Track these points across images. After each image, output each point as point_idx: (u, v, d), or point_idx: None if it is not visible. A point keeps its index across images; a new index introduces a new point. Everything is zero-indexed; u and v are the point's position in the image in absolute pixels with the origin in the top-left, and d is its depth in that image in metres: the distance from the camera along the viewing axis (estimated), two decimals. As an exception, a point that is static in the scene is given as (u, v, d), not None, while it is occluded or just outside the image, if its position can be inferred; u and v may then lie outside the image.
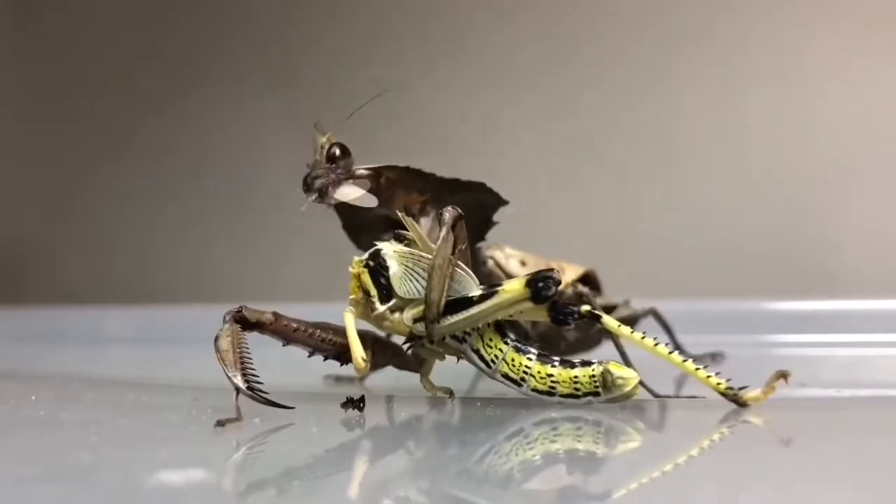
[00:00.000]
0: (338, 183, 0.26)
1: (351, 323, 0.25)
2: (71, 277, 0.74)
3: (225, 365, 0.24)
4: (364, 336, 0.26)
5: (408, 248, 0.25)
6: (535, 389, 0.24)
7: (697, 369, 0.23)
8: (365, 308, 0.25)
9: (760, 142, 0.60)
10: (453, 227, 0.24)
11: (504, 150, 0.62)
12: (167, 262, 0.71)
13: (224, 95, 0.70)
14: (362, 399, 0.25)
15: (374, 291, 0.25)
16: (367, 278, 0.25)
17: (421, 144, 0.62)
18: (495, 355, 0.24)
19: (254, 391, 0.24)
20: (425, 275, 0.24)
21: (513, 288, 0.23)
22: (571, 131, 0.63)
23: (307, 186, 0.26)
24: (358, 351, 0.24)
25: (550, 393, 0.24)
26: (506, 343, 0.24)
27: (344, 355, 0.26)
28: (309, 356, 0.26)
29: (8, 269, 0.75)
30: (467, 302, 0.24)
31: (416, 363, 0.27)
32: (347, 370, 0.34)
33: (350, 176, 0.26)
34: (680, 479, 0.19)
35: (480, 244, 0.30)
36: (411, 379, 0.27)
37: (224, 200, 0.70)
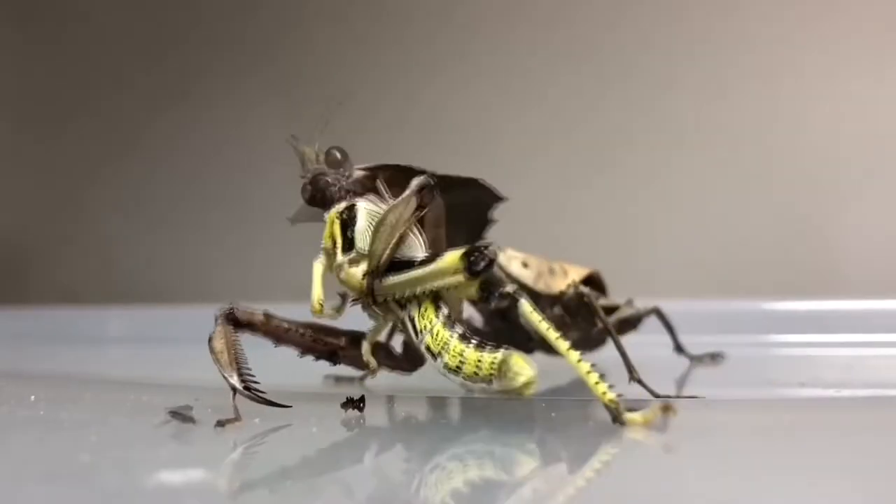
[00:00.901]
0: (346, 187, 0.26)
1: (318, 271, 0.25)
2: (71, 277, 0.74)
3: (220, 366, 0.24)
4: (360, 335, 0.26)
5: (379, 208, 0.25)
6: (446, 365, 0.24)
7: (589, 372, 0.22)
8: (331, 259, 0.25)
9: (760, 142, 0.60)
10: (420, 192, 0.24)
11: (504, 151, 0.62)
12: (167, 262, 0.71)
13: (225, 96, 0.70)
14: (362, 399, 0.25)
15: (339, 241, 0.25)
16: (336, 228, 0.25)
17: (421, 145, 0.62)
18: (425, 325, 0.24)
19: (251, 391, 0.24)
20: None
21: (451, 257, 0.23)
22: (571, 131, 0.63)
23: (315, 194, 0.26)
24: (317, 294, 0.24)
25: (457, 371, 0.23)
26: (437, 317, 0.24)
27: (335, 356, 0.26)
28: (300, 356, 0.27)
29: (8, 269, 0.75)
30: (409, 265, 0.24)
31: (406, 363, 0.27)
32: (347, 371, 0.34)
33: (351, 178, 0.26)
34: (679, 478, 0.19)
35: (481, 244, 0.30)
36: (412, 379, 0.27)
37: (224, 200, 0.70)
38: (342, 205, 0.25)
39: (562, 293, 0.32)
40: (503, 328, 0.32)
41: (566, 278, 0.32)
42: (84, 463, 0.19)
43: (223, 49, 0.71)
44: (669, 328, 0.37)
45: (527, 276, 0.31)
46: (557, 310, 0.31)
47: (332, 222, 0.25)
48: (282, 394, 0.24)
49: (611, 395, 0.22)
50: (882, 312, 0.45)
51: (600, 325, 0.31)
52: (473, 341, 0.24)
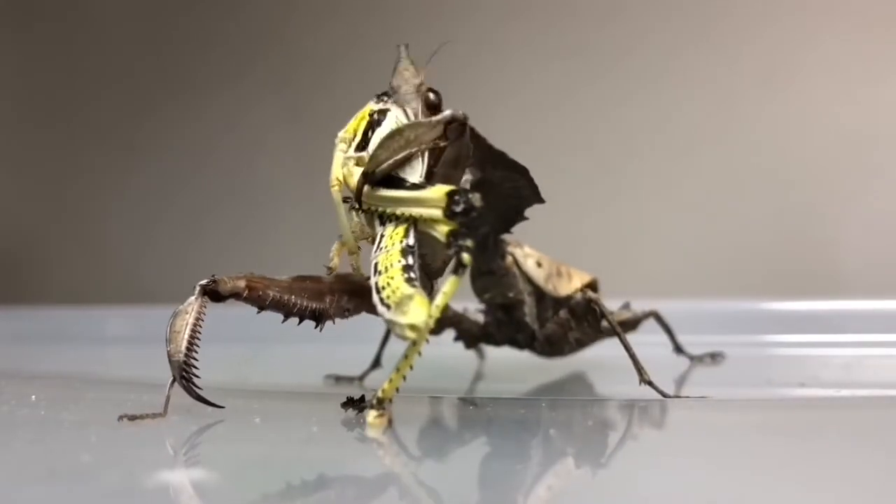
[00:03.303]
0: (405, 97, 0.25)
1: (338, 157, 0.24)
2: (71, 277, 0.74)
3: (170, 345, 0.24)
4: (338, 279, 0.25)
5: (406, 120, 0.25)
6: (376, 284, 0.22)
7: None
8: (346, 147, 0.25)
9: (760, 142, 0.60)
10: (449, 124, 0.23)
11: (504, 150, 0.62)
12: (167, 262, 0.71)
13: (225, 95, 0.70)
14: (362, 399, 0.25)
15: (358, 137, 0.24)
16: (362, 123, 0.25)
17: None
18: (387, 244, 0.23)
19: (188, 382, 0.23)
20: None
21: (438, 190, 0.23)
22: (572, 132, 0.63)
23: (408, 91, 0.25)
24: (335, 174, 0.24)
25: (378, 291, 0.22)
26: (400, 242, 0.23)
27: (320, 317, 0.26)
28: (283, 321, 0.26)
29: (8, 269, 0.75)
30: (400, 183, 0.24)
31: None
32: (347, 370, 0.34)
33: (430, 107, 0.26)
34: (680, 478, 0.19)
35: (504, 237, 0.30)
36: (412, 380, 0.27)
37: (224, 200, 0.70)
38: (380, 105, 0.25)
39: (568, 297, 0.32)
40: (505, 321, 0.32)
41: (571, 282, 0.32)
42: (84, 463, 0.19)
43: (223, 49, 0.71)
44: (668, 330, 0.38)
45: (539, 275, 0.31)
46: (563, 313, 0.32)
47: (364, 116, 0.25)
48: (282, 393, 0.24)
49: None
50: (882, 312, 0.45)
51: (607, 328, 0.31)
52: (410, 275, 0.22)
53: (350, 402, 0.25)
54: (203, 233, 0.71)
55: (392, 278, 0.22)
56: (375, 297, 0.22)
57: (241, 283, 0.25)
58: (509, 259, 0.31)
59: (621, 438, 0.24)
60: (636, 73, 0.62)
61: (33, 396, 0.28)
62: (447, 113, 0.24)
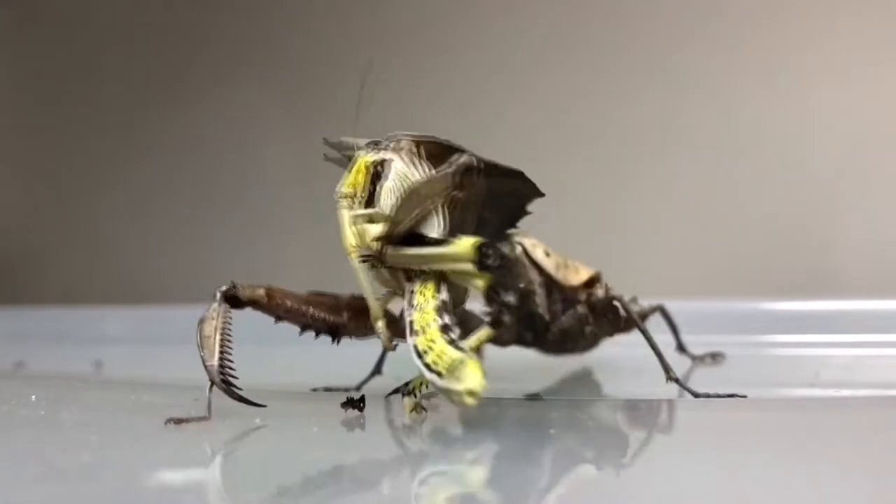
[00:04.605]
0: (385, 143, 0.25)
1: (345, 218, 0.24)
2: (71, 277, 0.74)
3: (203, 351, 0.24)
4: (362, 308, 0.25)
5: (411, 172, 0.24)
6: (416, 346, 0.22)
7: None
8: (349, 205, 0.24)
9: (761, 141, 0.60)
10: (461, 173, 0.23)
11: (503, 150, 0.62)
12: (167, 262, 0.71)
13: (225, 95, 0.70)
14: (362, 399, 0.25)
15: (362, 192, 0.24)
16: (363, 177, 0.24)
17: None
18: (419, 302, 0.23)
19: (227, 384, 0.23)
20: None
21: (464, 244, 0.23)
22: (571, 131, 0.63)
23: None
24: (348, 239, 0.24)
25: (421, 356, 0.22)
26: (433, 298, 0.23)
27: (337, 332, 0.26)
28: (300, 333, 0.26)
29: (8, 269, 0.75)
30: (422, 240, 0.23)
31: None
32: (347, 370, 0.34)
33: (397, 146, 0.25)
34: (679, 478, 0.19)
35: (511, 230, 0.30)
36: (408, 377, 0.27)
37: (225, 200, 0.70)
38: (377, 155, 0.24)
39: (577, 287, 0.32)
40: (516, 314, 0.32)
41: (578, 274, 0.32)
42: (84, 463, 0.19)
43: (224, 50, 0.71)
44: (673, 327, 0.37)
45: (549, 264, 0.31)
46: (582, 308, 0.32)
47: (360, 170, 0.24)
48: (282, 393, 0.24)
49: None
50: (882, 312, 0.45)
51: (626, 324, 0.31)
52: (451, 335, 0.22)
53: (350, 402, 0.25)
54: (203, 233, 0.71)
55: (433, 342, 0.22)
56: (419, 363, 0.22)
57: (261, 292, 0.25)
58: (518, 249, 0.31)
59: (622, 439, 0.24)
60: (636, 71, 0.62)
61: (33, 396, 0.28)
62: (460, 162, 0.23)
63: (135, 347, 0.52)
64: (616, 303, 0.31)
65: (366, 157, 0.24)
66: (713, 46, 0.61)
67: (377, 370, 0.34)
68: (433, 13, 0.66)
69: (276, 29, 0.70)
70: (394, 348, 0.25)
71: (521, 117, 0.63)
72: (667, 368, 0.28)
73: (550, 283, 0.32)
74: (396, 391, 0.24)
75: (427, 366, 0.22)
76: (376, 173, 0.24)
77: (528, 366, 0.37)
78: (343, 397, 0.25)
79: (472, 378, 0.21)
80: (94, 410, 0.27)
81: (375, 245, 0.23)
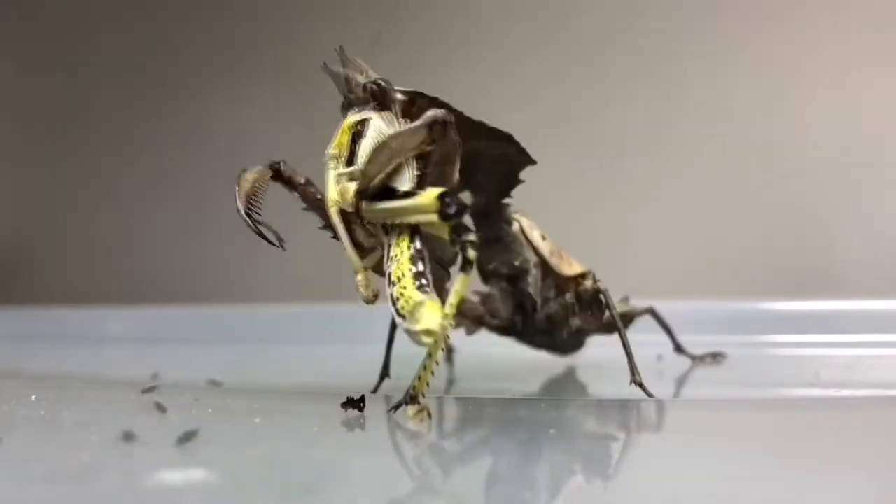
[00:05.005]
0: (374, 98, 0.25)
1: (331, 176, 0.24)
2: (71, 277, 0.74)
3: (238, 191, 0.25)
4: None
5: (389, 129, 0.25)
6: (391, 295, 0.23)
7: None
8: (336, 165, 0.25)
9: (760, 141, 0.60)
10: (432, 126, 0.23)
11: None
12: (167, 262, 0.71)
13: (224, 94, 0.70)
14: (362, 399, 0.25)
15: (345, 151, 0.24)
16: (346, 138, 0.25)
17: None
18: (395, 254, 0.23)
19: (250, 218, 0.25)
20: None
21: (427, 195, 0.23)
22: (570, 130, 0.63)
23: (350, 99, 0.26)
24: (332, 196, 0.24)
25: (394, 301, 0.22)
26: (408, 248, 0.23)
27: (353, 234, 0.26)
28: (320, 227, 0.27)
29: (7, 269, 0.75)
30: (394, 193, 0.24)
31: None
32: (347, 371, 0.34)
33: (388, 100, 0.26)
34: (679, 478, 0.19)
35: (508, 202, 0.30)
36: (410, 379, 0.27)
37: (225, 200, 0.70)
38: (359, 115, 0.25)
39: (569, 278, 0.32)
40: (509, 292, 0.32)
41: (571, 267, 0.32)
42: (84, 463, 0.19)
43: (225, 50, 0.71)
44: (666, 328, 0.37)
45: (544, 248, 0.31)
46: (569, 297, 0.32)
47: (345, 131, 0.25)
48: (282, 393, 0.24)
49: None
50: (882, 312, 0.45)
51: (608, 323, 0.31)
52: (422, 281, 0.22)
53: (350, 403, 0.25)
54: (204, 233, 0.71)
55: (405, 288, 0.22)
56: (392, 309, 0.22)
57: (301, 179, 0.26)
58: (516, 225, 0.31)
59: (622, 439, 0.23)
60: (637, 72, 0.62)
61: (33, 396, 0.28)
62: (428, 116, 0.24)
63: (135, 347, 0.52)
64: (601, 295, 0.31)
65: (349, 119, 0.25)
66: (713, 46, 0.61)
67: (385, 374, 0.33)
68: (433, 13, 0.66)
69: (276, 28, 0.70)
70: (374, 300, 0.25)
71: (520, 117, 0.63)
72: (633, 370, 0.28)
73: (545, 267, 0.32)
74: (398, 406, 0.24)
75: (397, 311, 0.22)
76: (357, 132, 0.25)
77: (528, 366, 0.37)
78: (343, 397, 0.25)
79: (428, 318, 0.21)
80: (94, 410, 0.27)
81: (353, 201, 0.24)
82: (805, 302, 0.47)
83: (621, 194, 0.62)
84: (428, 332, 0.21)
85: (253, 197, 0.25)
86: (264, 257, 0.67)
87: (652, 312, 0.37)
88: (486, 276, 0.32)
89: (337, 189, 0.24)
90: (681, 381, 0.35)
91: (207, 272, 0.69)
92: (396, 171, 0.24)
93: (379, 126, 0.25)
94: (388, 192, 0.24)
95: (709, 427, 0.24)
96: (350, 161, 0.24)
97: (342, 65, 0.27)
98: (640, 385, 0.28)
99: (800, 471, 0.19)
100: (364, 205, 0.24)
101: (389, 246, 0.24)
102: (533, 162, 0.28)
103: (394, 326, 0.32)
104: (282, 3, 0.70)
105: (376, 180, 0.24)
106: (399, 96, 0.26)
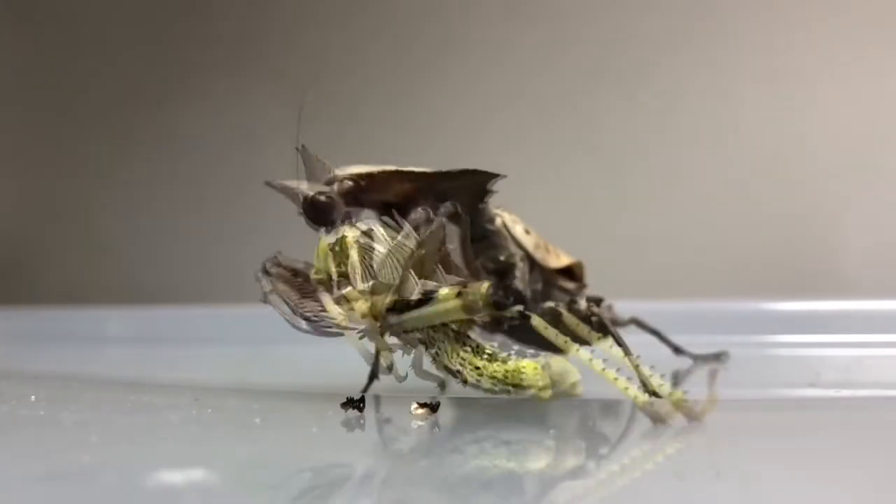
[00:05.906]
0: (342, 209, 0.25)
1: (330, 304, 0.24)
2: (71, 277, 0.74)
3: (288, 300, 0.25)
4: None
5: (394, 234, 0.25)
6: (490, 388, 0.23)
7: (603, 369, 0.22)
8: (327, 289, 0.25)
9: (760, 141, 0.60)
10: (446, 221, 0.24)
11: (501, 150, 0.62)
12: (167, 262, 0.71)
13: (224, 95, 0.70)
14: (362, 399, 0.25)
15: (359, 269, 0.24)
16: (356, 254, 0.24)
17: (418, 144, 0.62)
18: (459, 367, 0.24)
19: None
20: (403, 264, 0.24)
21: (446, 296, 0.23)
22: (569, 131, 0.63)
23: (314, 215, 0.26)
24: (338, 318, 0.24)
25: (477, 385, 0.23)
26: (463, 352, 0.24)
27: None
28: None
29: (8, 269, 0.75)
30: (410, 302, 0.24)
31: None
32: (347, 371, 0.34)
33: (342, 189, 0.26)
34: (679, 478, 0.19)
35: (487, 202, 0.30)
36: (412, 380, 0.27)
37: (225, 200, 0.70)
38: (333, 235, 0.25)
39: (556, 271, 0.32)
40: (497, 287, 0.32)
41: (559, 259, 0.32)
42: (84, 463, 0.19)
43: (225, 50, 0.71)
44: (656, 333, 0.37)
45: (528, 242, 0.31)
46: (562, 307, 0.31)
47: (324, 255, 0.25)
48: (282, 393, 0.24)
49: (635, 392, 0.22)
50: (882, 312, 0.45)
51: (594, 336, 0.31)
52: (507, 353, 0.23)
53: (350, 403, 0.25)
54: (203, 233, 0.71)
55: (478, 369, 0.23)
56: (497, 389, 0.23)
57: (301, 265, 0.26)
58: (498, 221, 0.31)
59: (622, 438, 0.23)
60: (637, 72, 0.62)
61: (33, 396, 0.28)
62: (443, 210, 0.24)
63: (135, 347, 0.52)
64: (595, 317, 0.30)
65: (323, 242, 0.25)
66: (713, 46, 0.61)
67: (374, 376, 0.33)
68: (434, 13, 0.66)
69: (276, 27, 0.70)
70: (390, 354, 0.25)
71: (520, 117, 0.63)
72: (645, 384, 0.28)
73: (531, 261, 0.31)
74: (428, 405, 0.24)
75: (491, 390, 0.23)
76: (367, 246, 0.24)
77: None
78: (343, 397, 0.25)
79: (534, 377, 0.22)
80: (94, 410, 0.27)
81: (369, 317, 0.24)
82: (805, 302, 0.47)
83: (621, 194, 0.62)
84: (543, 389, 0.22)
85: (298, 301, 0.25)
86: (263, 258, 0.67)
87: (637, 322, 0.36)
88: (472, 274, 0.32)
89: (345, 310, 0.24)
90: (681, 381, 0.35)
91: (207, 272, 0.69)
92: (430, 276, 0.24)
93: (381, 232, 0.25)
94: (405, 303, 0.23)
95: (709, 427, 0.24)
96: (367, 277, 0.24)
97: (304, 163, 0.26)
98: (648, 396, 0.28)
99: (800, 471, 0.19)
100: (393, 318, 0.24)
101: (437, 359, 0.24)
102: (502, 176, 0.27)
103: None
104: (282, 3, 0.70)
105: (414, 293, 0.23)
106: (348, 185, 0.25)
